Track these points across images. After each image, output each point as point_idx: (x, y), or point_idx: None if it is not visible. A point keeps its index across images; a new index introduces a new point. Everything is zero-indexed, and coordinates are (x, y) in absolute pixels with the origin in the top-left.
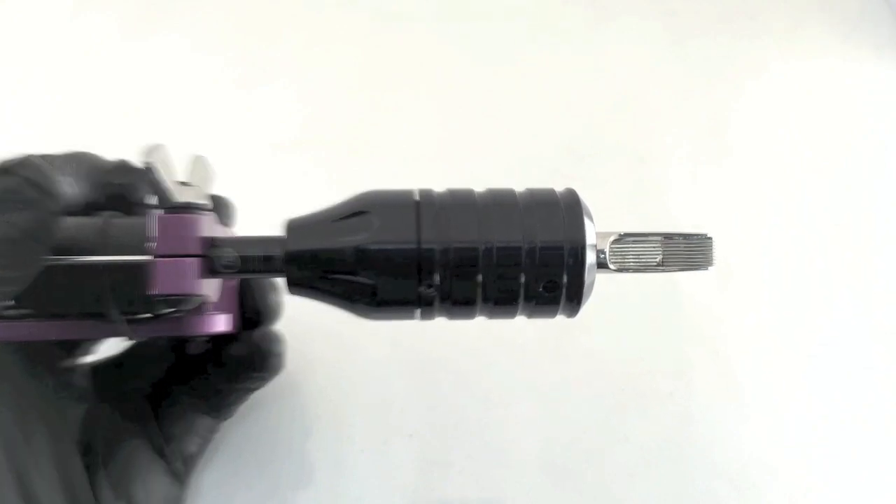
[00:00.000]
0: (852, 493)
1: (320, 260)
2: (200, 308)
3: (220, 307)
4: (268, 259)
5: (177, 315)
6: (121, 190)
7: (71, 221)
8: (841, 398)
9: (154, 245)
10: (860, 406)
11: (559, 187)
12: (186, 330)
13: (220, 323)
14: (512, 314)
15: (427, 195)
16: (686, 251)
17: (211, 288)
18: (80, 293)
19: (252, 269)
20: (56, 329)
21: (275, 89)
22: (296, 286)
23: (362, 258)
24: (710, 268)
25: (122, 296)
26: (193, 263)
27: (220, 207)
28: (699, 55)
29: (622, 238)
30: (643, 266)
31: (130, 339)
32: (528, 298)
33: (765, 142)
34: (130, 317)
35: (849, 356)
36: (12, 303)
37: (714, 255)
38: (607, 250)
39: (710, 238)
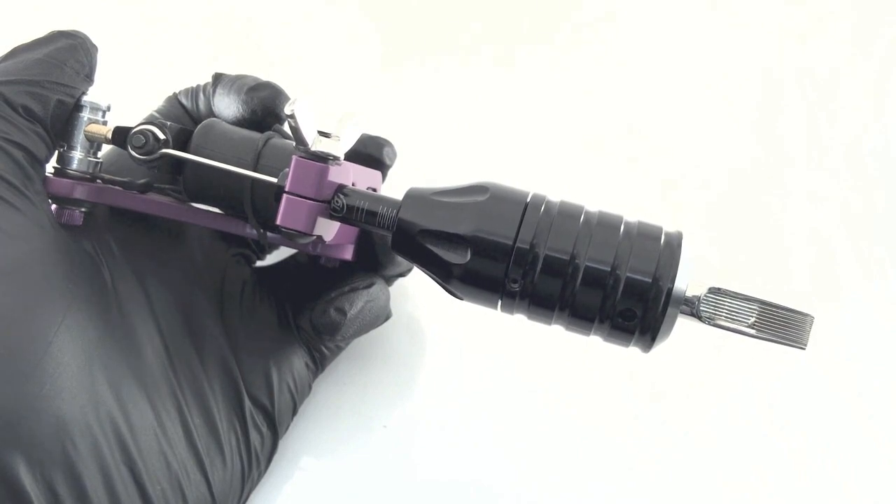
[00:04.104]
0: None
1: (424, 233)
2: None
3: (347, 238)
4: (371, 214)
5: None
6: (261, 103)
7: (237, 132)
8: None
9: (287, 181)
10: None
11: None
12: (314, 250)
13: (346, 251)
14: (587, 331)
15: (538, 199)
16: (782, 324)
17: (327, 228)
18: (229, 193)
19: (356, 218)
20: (205, 217)
21: None
22: (398, 248)
23: (461, 241)
24: (803, 348)
25: (261, 205)
26: (312, 207)
27: (375, 151)
28: None
29: (718, 291)
30: (734, 324)
31: (262, 242)
32: (602, 320)
33: None
34: (264, 224)
35: None
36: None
37: (810, 336)
38: (700, 299)
39: (811, 317)
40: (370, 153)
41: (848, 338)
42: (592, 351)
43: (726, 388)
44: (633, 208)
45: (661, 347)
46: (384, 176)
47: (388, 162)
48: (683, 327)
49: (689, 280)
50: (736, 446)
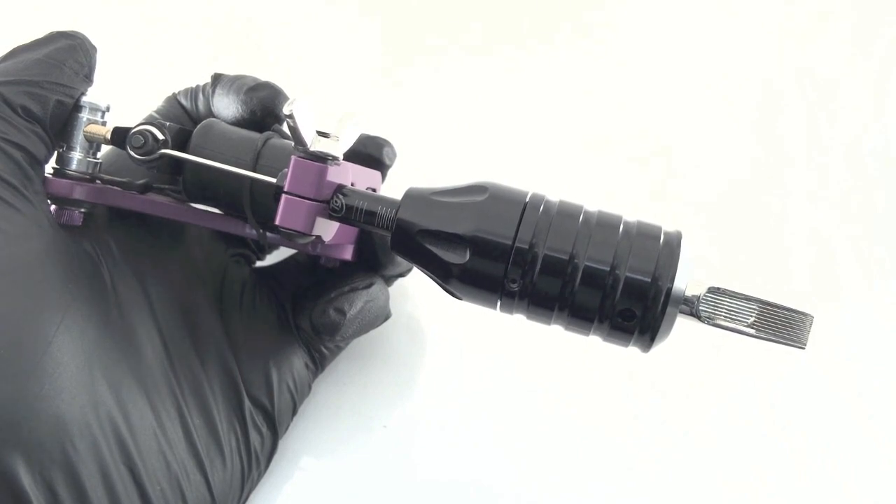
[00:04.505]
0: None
1: (423, 233)
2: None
3: (347, 238)
4: (370, 214)
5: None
6: (260, 103)
7: (237, 132)
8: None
9: (286, 181)
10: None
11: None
12: (314, 250)
13: (346, 251)
14: (586, 331)
15: (537, 199)
16: (782, 323)
17: (326, 228)
18: (229, 193)
19: (355, 218)
20: (205, 217)
21: None
22: (397, 247)
23: (460, 241)
24: (803, 348)
25: (260, 205)
26: (312, 207)
27: (374, 151)
28: None
29: (718, 290)
30: (733, 324)
31: (262, 242)
32: (602, 320)
33: None
34: (264, 224)
35: None
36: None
37: (809, 336)
38: (700, 299)
39: (810, 317)
40: (370, 153)
41: (848, 338)
42: (592, 351)
43: (726, 388)
44: (632, 208)
45: (661, 347)
46: (384, 176)
47: (387, 162)
48: (683, 327)
49: (688, 279)
50: (736, 446)
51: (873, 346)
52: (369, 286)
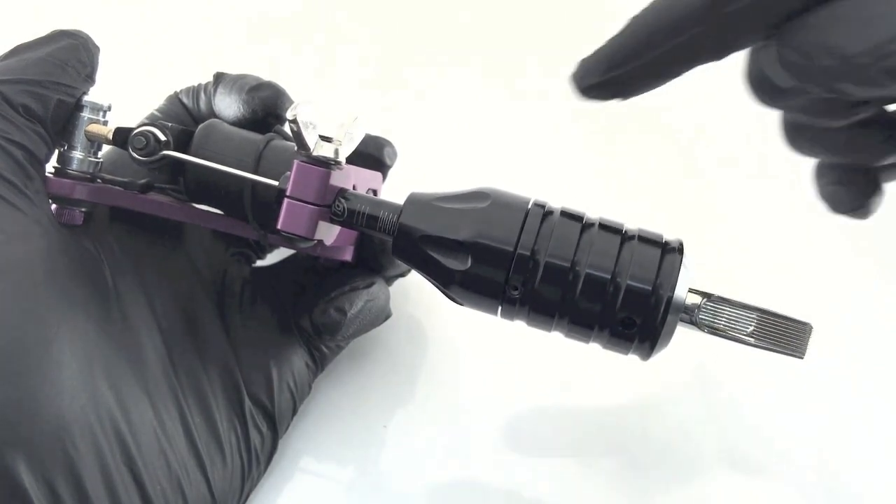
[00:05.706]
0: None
1: (425, 238)
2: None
3: (347, 240)
4: (372, 218)
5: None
6: (261, 103)
7: (239, 133)
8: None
9: (289, 185)
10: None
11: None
12: (314, 251)
13: (346, 253)
14: (586, 339)
15: (539, 206)
16: (781, 333)
17: (327, 232)
18: (230, 195)
19: (357, 223)
20: (206, 217)
21: None
22: (399, 253)
23: (462, 248)
24: (801, 357)
25: (261, 207)
26: (314, 211)
27: (375, 151)
28: None
29: (717, 299)
30: (732, 333)
31: (262, 243)
32: (602, 328)
33: None
34: (264, 225)
35: None
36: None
37: (808, 346)
38: (699, 307)
39: (809, 327)
40: (370, 153)
41: (848, 339)
42: (593, 352)
43: (727, 390)
44: (633, 215)
45: (660, 355)
46: (384, 176)
47: (388, 162)
48: (682, 335)
49: (688, 288)
50: (736, 448)
51: (873, 347)
52: (370, 285)
